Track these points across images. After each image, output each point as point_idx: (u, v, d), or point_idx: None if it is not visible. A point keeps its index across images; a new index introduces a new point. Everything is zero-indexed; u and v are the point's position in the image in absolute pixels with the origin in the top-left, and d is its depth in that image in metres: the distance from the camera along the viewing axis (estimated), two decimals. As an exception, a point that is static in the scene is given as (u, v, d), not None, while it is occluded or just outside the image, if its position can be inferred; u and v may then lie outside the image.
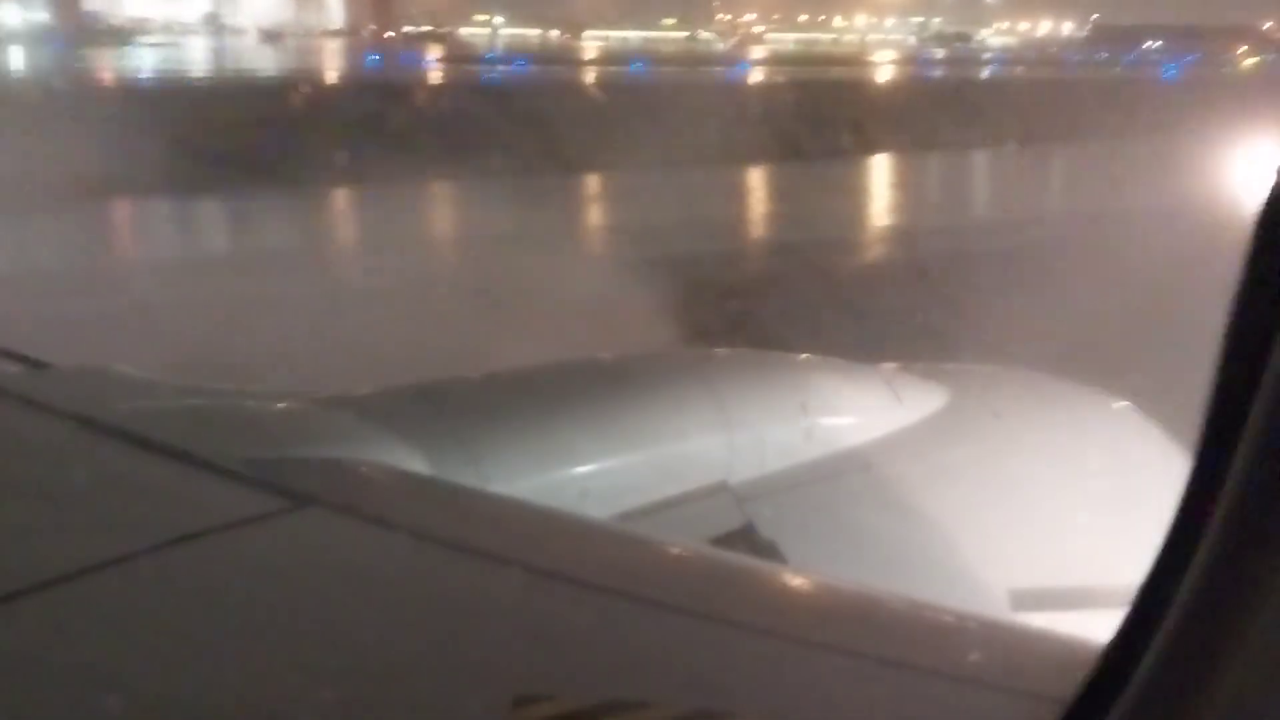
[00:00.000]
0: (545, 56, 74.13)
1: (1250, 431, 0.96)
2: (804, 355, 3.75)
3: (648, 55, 77.41)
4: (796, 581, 2.44)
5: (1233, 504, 0.98)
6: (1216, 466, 0.99)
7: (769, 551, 2.89)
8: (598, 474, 2.91)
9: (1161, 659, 1.05)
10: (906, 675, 1.69)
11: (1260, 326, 0.95)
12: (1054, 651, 1.65)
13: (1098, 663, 1.17)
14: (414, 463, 2.61)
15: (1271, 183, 0.97)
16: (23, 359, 3.29)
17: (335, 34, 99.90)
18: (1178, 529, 1.07)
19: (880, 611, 2.03)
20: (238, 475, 2.29)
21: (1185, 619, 1.03)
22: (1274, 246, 0.96)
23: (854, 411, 3.34)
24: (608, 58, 78.89)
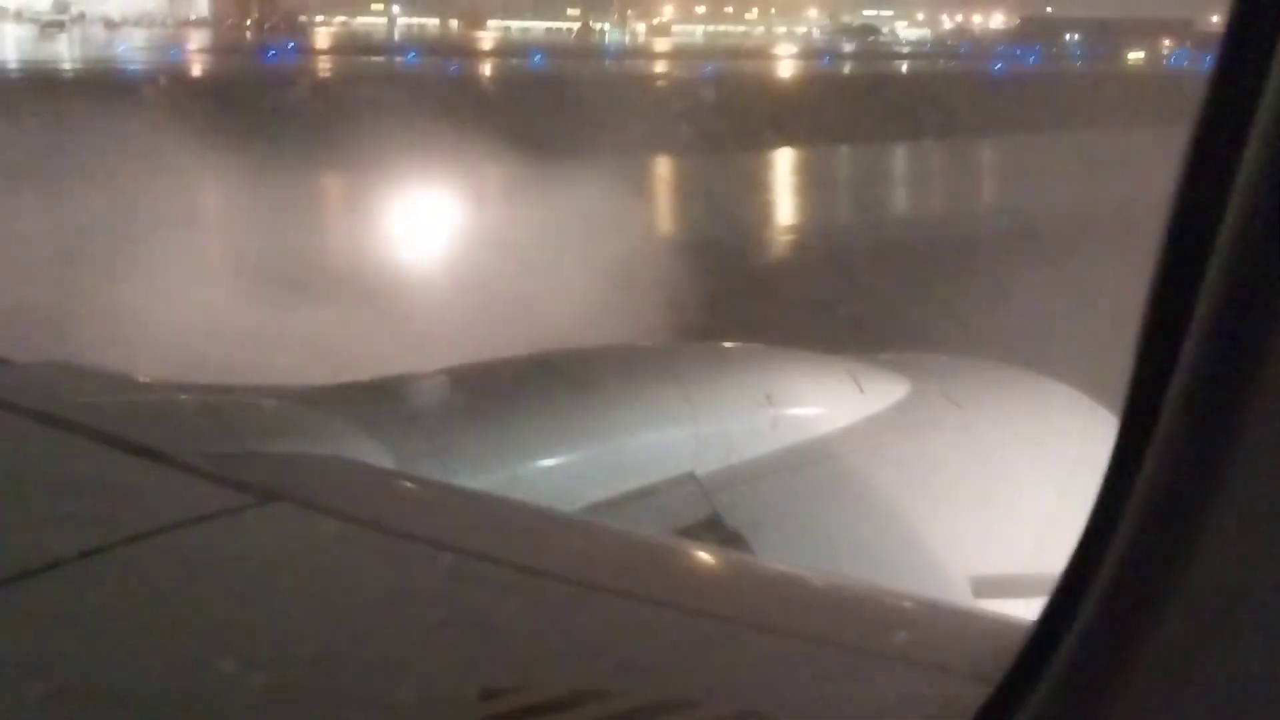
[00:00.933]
0: (432, 47, 72.46)
1: (1167, 411, 0.98)
2: (768, 346, 3.78)
3: (540, 47, 76.38)
4: (762, 571, 2.47)
5: (1149, 485, 1.00)
6: (1136, 445, 1.01)
7: (735, 541, 2.91)
8: (563, 466, 2.92)
9: (1084, 638, 1.07)
10: (860, 659, 1.72)
11: (1175, 308, 0.97)
12: (995, 633, 1.68)
13: (1026, 642, 1.19)
14: (378, 457, 2.60)
15: (1181, 165, 0.98)
16: None
17: (199, 24, 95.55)
18: (1099, 510, 1.10)
19: (845, 599, 2.06)
20: (201, 470, 2.27)
21: (1107, 598, 1.05)
22: (1188, 218, 0.98)
23: (818, 402, 3.37)
24: (501, 49, 77.47)
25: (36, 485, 2.30)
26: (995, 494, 3.34)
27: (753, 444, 3.17)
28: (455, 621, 1.81)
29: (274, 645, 1.74)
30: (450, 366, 3.29)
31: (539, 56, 66.78)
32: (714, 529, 2.96)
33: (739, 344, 3.76)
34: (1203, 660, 0.97)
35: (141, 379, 3.22)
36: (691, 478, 3.06)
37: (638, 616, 1.83)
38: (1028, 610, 1.85)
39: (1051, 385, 3.93)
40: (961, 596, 2.90)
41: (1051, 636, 1.11)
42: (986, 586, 2.95)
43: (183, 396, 2.99)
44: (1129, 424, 1.04)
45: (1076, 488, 3.13)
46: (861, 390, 3.43)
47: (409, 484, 2.56)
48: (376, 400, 2.88)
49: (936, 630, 1.88)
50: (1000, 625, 1.78)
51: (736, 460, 3.14)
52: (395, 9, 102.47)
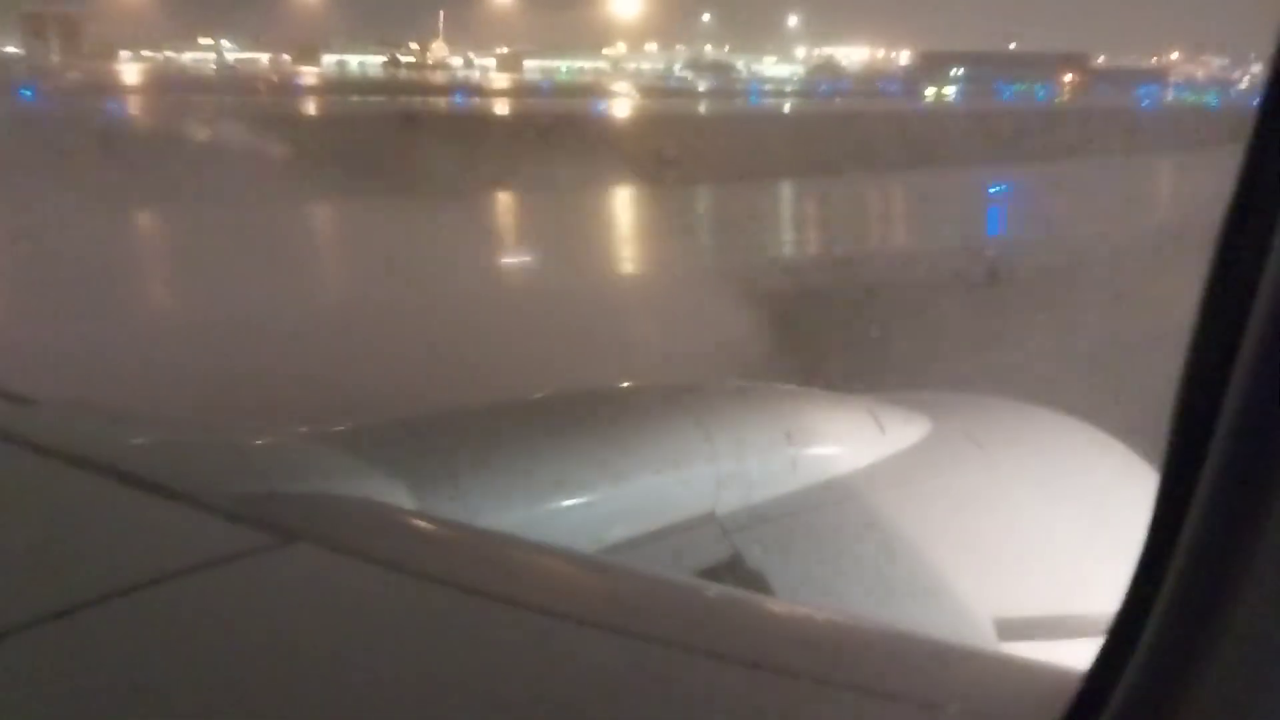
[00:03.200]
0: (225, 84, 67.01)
1: (1214, 452, 0.98)
2: (788, 385, 3.77)
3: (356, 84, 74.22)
4: (784, 613, 2.44)
5: (1198, 528, 1.00)
6: (1183, 490, 1.01)
7: (756, 582, 2.89)
8: (584, 506, 2.90)
9: (1136, 686, 1.07)
10: (894, 707, 1.69)
11: (1222, 346, 0.97)
12: (1039, 680, 1.66)
13: (1077, 691, 1.18)
14: (399, 497, 2.60)
15: (1231, 196, 0.98)
16: (4, 395, 3.21)
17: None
18: (1148, 556, 1.09)
19: (867, 642, 2.04)
20: (223, 511, 2.27)
21: (1158, 645, 1.05)
22: (1234, 262, 0.98)
23: (838, 441, 3.36)
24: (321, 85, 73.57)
25: (56, 525, 2.30)
26: (1019, 534, 3.33)
27: (773, 483, 3.15)
28: (477, 664, 1.80)
29: (296, 688, 1.72)
30: (470, 406, 3.30)
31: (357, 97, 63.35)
32: (735, 570, 2.93)
33: (759, 383, 3.73)
34: (1259, 707, 0.97)
35: (162, 419, 3.23)
36: (712, 518, 3.04)
37: (659, 659, 1.81)
38: (1056, 652, 1.86)
39: (1075, 424, 3.93)
40: (986, 639, 2.88)
41: (1103, 685, 1.10)
42: (1012, 628, 2.93)
43: (204, 437, 2.99)
44: (1175, 463, 1.04)
45: (1101, 528, 3.16)
46: (883, 430, 3.42)
47: (431, 525, 2.55)
48: (397, 441, 2.88)
49: (970, 676, 1.85)
50: (1039, 671, 1.76)
51: (757, 500, 3.12)
52: (226, 43, 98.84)
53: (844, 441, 3.35)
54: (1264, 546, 0.95)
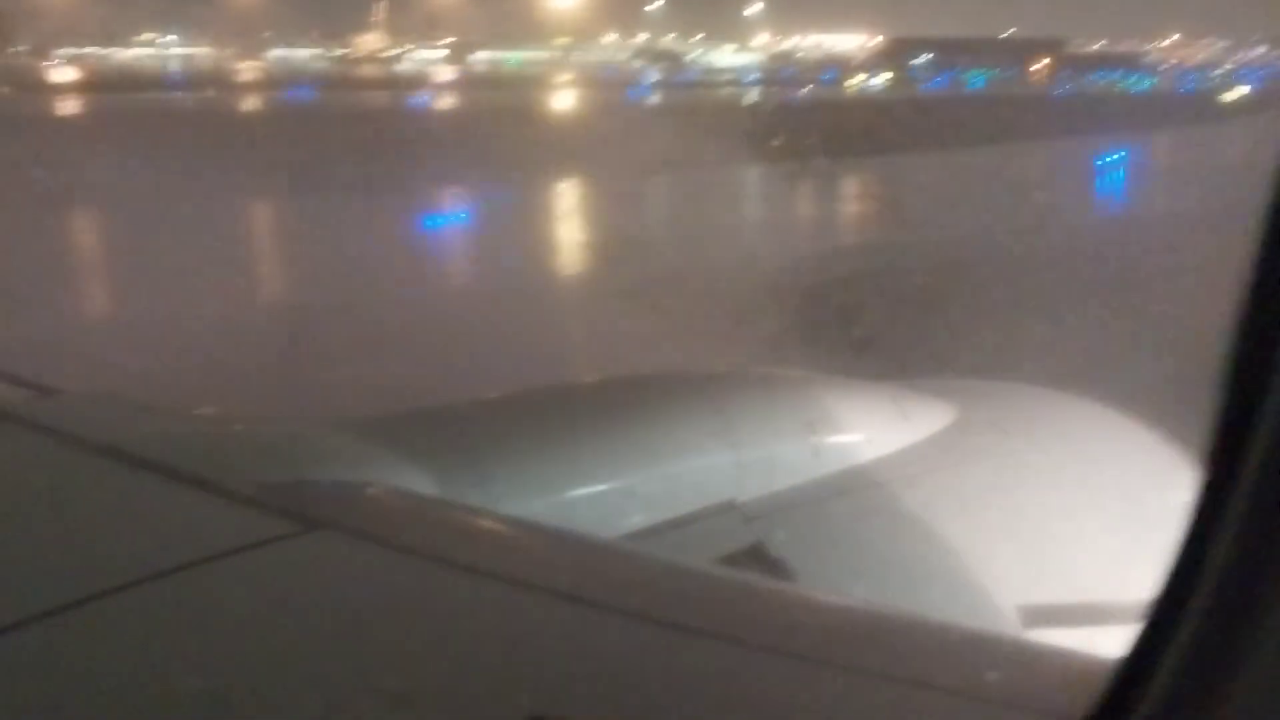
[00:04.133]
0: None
1: (1257, 443, 0.98)
2: (810, 373, 3.75)
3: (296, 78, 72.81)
4: (807, 600, 2.44)
5: (1241, 517, 1.00)
6: (1225, 479, 1.01)
7: (778, 570, 2.88)
8: (606, 493, 2.91)
9: (1174, 676, 1.06)
10: (918, 693, 1.69)
11: (1266, 340, 0.97)
12: (1066, 668, 1.66)
13: (1110, 680, 1.18)
14: (423, 484, 2.62)
15: (1272, 190, 0.98)
16: (30, 385, 3.27)
17: None
18: (1188, 544, 1.08)
19: (891, 629, 2.03)
20: (248, 499, 2.29)
21: (1197, 635, 1.04)
22: (1275, 255, 0.98)
23: (861, 429, 3.34)
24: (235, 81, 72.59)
25: (84, 514, 2.32)
26: (1043, 521, 3.30)
27: (794, 471, 3.14)
28: (500, 650, 1.81)
29: (322, 673, 1.74)
30: (493, 395, 3.31)
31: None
32: (757, 557, 2.92)
33: (780, 370, 3.73)
34: None
35: (187, 409, 3.24)
36: (733, 506, 3.03)
37: (683, 646, 1.82)
38: (1080, 640, 1.88)
39: (1104, 411, 3.89)
40: (1010, 626, 2.86)
41: (1139, 673, 1.09)
42: (1035, 615, 2.91)
43: (228, 427, 3.02)
44: (1218, 452, 1.03)
45: (1129, 515, 3.16)
46: (906, 417, 3.41)
47: (453, 511, 2.57)
48: (420, 429, 2.91)
49: (1001, 664, 1.84)
50: (1067, 658, 1.76)
51: (778, 488, 3.11)
52: (170, 38, 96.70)
53: (866, 429, 3.34)
54: None
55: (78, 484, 2.48)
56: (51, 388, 3.22)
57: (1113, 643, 1.22)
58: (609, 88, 77.75)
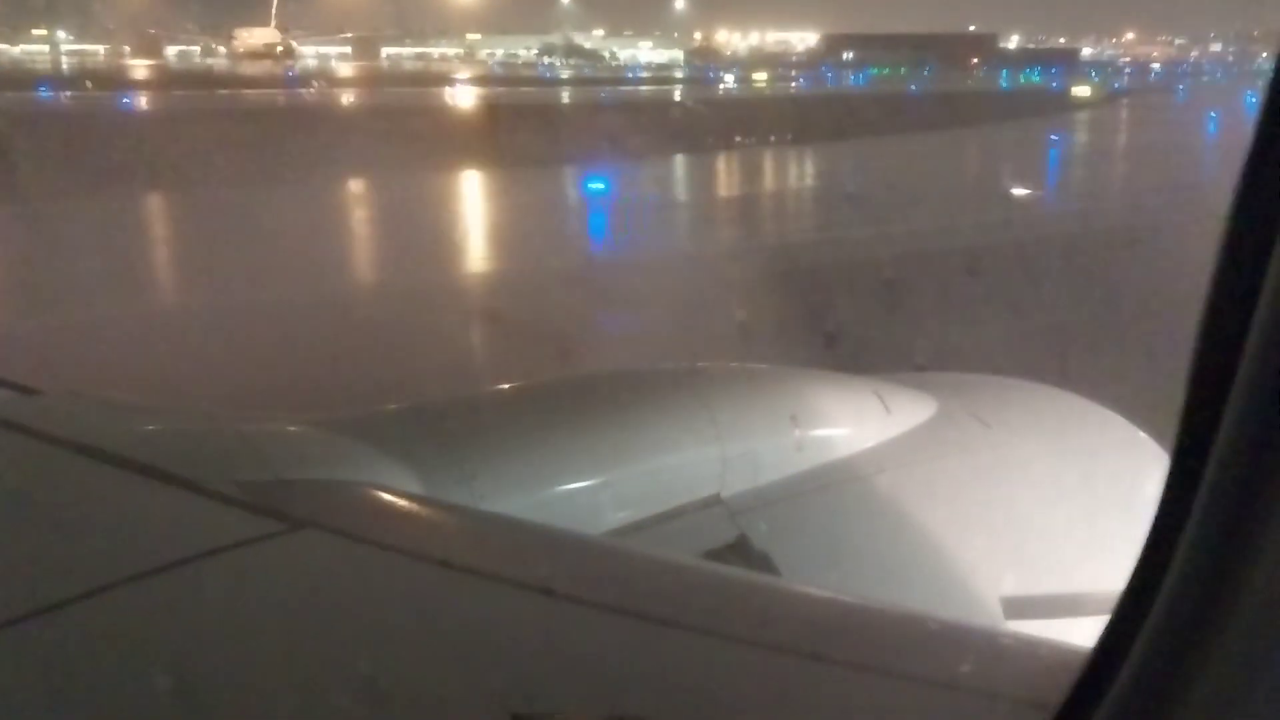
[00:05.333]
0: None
1: (1223, 435, 0.99)
2: (793, 368, 3.75)
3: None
4: (793, 594, 2.45)
5: (1208, 508, 1.01)
6: (1192, 470, 1.02)
7: (762, 563, 2.89)
8: (591, 490, 2.90)
9: (1143, 663, 1.08)
10: (899, 684, 1.70)
11: (1232, 331, 0.98)
12: (1044, 658, 1.67)
13: (1083, 668, 1.19)
14: (407, 482, 2.61)
15: (1238, 181, 1.00)
16: (11, 385, 3.22)
17: None
18: (1156, 534, 1.10)
19: (873, 621, 2.04)
20: (231, 499, 2.28)
21: (1165, 622, 1.06)
22: (1243, 249, 0.99)
23: (844, 423, 3.35)
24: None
25: (66, 514, 2.30)
26: (1024, 514, 3.32)
27: (779, 465, 3.15)
28: (485, 647, 1.81)
29: (305, 672, 1.73)
30: (477, 392, 3.32)
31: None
32: (741, 551, 2.93)
33: (764, 365, 3.71)
34: (1265, 680, 0.98)
35: (168, 407, 3.21)
36: (718, 500, 3.05)
37: (667, 641, 1.82)
38: (1062, 631, 1.85)
39: (1082, 403, 3.92)
40: (992, 617, 2.88)
41: (1110, 660, 1.11)
42: (1018, 607, 2.94)
43: (211, 425, 2.99)
44: (1184, 446, 1.04)
45: (1108, 506, 3.17)
46: (888, 410, 3.42)
47: (438, 510, 2.56)
48: (405, 426, 2.88)
49: (979, 654, 1.87)
50: (1045, 648, 1.76)
51: (763, 482, 3.12)
52: (61, 34, 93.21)
53: (849, 422, 3.35)
54: (1272, 527, 0.96)
55: (58, 484, 2.45)
56: (30, 388, 3.17)
57: (1094, 633, 1.22)
58: (502, 83, 78.82)
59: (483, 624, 1.88)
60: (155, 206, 28.67)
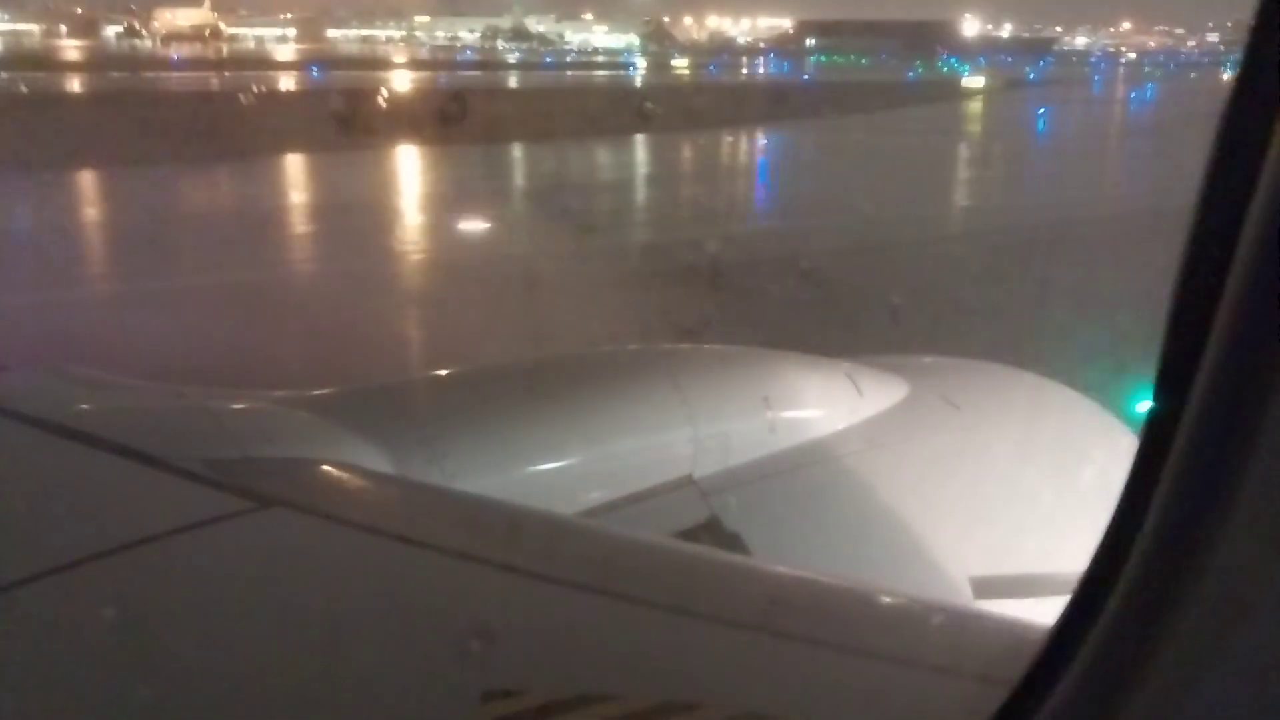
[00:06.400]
0: None
1: (1188, 421, 1.00)
2: (766, 349, 3.73)
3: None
4: (762, 573, 2.46)
5: (1171, 491, 1.03)
6: (1158, 454, 1.03)
7: (734, 544, 2.90)
8: (563, 470, 2.90)
9: (1102, 642, 1.09)
10: (866, 662, 1.73)
11: (1199, 315, 0.99)
12: (1006, 636, 1.70)
13: (1043, 646, 1.21)
14: (377, 461, 2.60)
15: (1207, 166, 1.00)
16: None
17: None
18: (1121, 515, 1.11)
19: (839, 599, 2.07)
20: (199, 476, 2.26)
21: (1125, 602, 1.07)
22: (1208, 240, 1.00)
23: (816, 404, 3.36)
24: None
25: (34, 492, 2.28)
26: (994, 495, 3.35)
27: (751, 447, 3.16)
28: (456, 625, 1.82)
29: (274, 650, 1.73)
30: (448, 371, 3.27)
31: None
32: (712, 531, 2.94)
33: (737, 347, 3.71)
34: (1220, 663, 0.99)
35: (138, 384, 3.18)
36: (690, 481, 3.05)
37: (638, 619, 1.84)
38: (1030, 610, 1.85)
39: (1051, 386, 3.96)
40: (962, 597, 2.91)
41: (1070, 639, 1.12)
42: (987, 587, 2.96)
43: (180, 402, 2.96)
44: (1151, 430, 1.06)
45: (1077, 487, 3.19)
46: (860, 393, 3.43)
47: (407, 489, 2.56)
48: (374, 405, 2.87)
49: (942, 632, 1.89)
50: (1008, 626, 1.79)
51: (735, 463, 3.12)
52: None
53: (821, 404, 3.36)
54: (1234, 511, 0.97)
55: (26, 461, 2.43)
56: None
57: (1058, 612, 1.23)
58: (442, 68, 77.11)
59: (452, 603, 1.89)
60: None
